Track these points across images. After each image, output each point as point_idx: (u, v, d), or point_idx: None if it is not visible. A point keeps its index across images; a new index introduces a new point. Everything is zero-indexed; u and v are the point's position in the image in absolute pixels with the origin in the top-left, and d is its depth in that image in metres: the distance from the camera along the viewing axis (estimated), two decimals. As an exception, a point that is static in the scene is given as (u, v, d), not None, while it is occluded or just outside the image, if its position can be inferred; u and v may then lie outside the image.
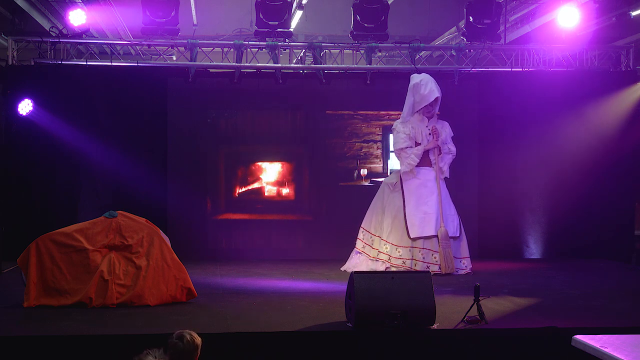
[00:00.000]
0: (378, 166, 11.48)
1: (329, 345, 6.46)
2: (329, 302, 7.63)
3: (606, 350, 4.32)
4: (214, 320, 6.92)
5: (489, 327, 6.65)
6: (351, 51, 11.13)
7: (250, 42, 10.83)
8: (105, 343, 6.17)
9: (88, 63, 10.62)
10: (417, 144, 9.75)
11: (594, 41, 11.34)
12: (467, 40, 10.90)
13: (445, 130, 9.84)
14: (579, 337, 4.66)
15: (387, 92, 11.29)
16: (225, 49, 10.90)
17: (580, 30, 10.86)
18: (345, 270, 9.74)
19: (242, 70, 10.94)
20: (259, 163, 11.52)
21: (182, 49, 10.92)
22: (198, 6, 12.35)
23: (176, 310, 7.30)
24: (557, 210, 11.36)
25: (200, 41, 10.85)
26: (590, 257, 11.04)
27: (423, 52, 11.41)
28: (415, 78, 9.85)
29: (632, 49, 11.27)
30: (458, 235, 9.66)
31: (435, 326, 6.58)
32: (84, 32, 10.40)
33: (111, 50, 10.83)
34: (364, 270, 9.18)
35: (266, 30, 10.50)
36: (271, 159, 11.56)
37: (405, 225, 9.58)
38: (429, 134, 9.75)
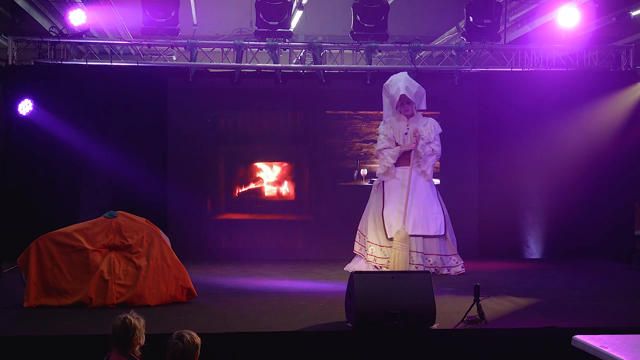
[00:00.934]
0: (378, 166, 11.45)
1: (329, 345, 6.46)
2: (329, 302, 7.63)
3: (606, 350, 4.33)
4: (213, 320, 6.92)
5: (489, 327, 6.65)
6: (351, 51, 11.13)
7: (250, 42, 10.82)
8: (105, 343, 6.16)
9: (88, 63, 10.62)
10: (397, 144, 9.73)
11: (594, 41, 11.34)
12: (467, 40, 10.89)
13: (429, 129, 9.73)
14: (579, 337, 4.67)
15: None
16: (225, 49, 10.90)
17: (580, 30, 10.85)
18: (347, 270, 9.78)
19: (242, 70, 10.94)
20: (259, 163, 11.52)
21: (182, 49, 10.92)
22: (198, 6, 12.34)
23: (176, 310, 7.31)
24: (557, 210, 11.36)
25: (200, 41, 10.85)
26: (590, 257, 11.04)
27: (423, 52, 11.41)
28: (390, 78, 9.84)
29: (632, 49, 11.27)
30: (443, 233, 9.59)
31: (435, 326, 6.58)
32: (84, 32, 10.39)
33: (111, 50, 10.83)
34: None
35: (266, 30, 10.49)
36: (271, 159, 11.56)
37: (383, 226, 9.57)
38: (406, 133, 9.70)
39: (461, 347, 6.54)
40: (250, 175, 11.50)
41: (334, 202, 11.47)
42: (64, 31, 10.37)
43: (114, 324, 4.73)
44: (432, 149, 9.70)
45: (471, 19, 10.67)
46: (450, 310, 7.14)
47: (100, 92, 10.93)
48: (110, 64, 10.68)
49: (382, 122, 9.96)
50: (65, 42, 10.52)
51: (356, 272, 6.75)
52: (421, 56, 11.34)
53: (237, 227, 11.43)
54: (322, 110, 11.56)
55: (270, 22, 10.42)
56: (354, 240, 9.99)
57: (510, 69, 11.13)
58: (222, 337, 6.32)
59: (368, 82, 11.07)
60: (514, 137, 11.34)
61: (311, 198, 11.59)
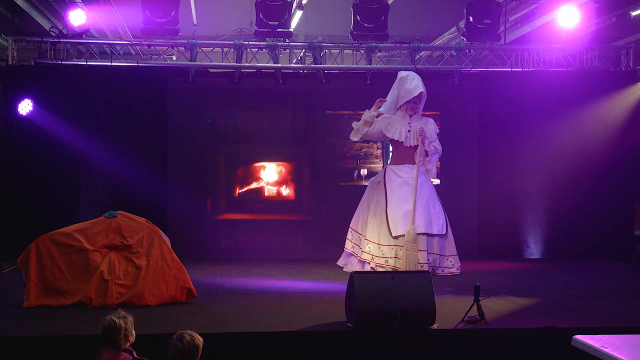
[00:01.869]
0: (378, 166, 11.48)
1: (329, 345, 6.47)
2: (329, 302, 7.63)
3: (606, 350, 4.33)
4: (214, 320, 6.92)
5: (489, 327, 6.65)
6: (351, 51, 11.12)
7: (250, 42, 10.82)
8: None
9: (88, 63, 10.62)
10: (396, 142, 9.74)
11: (594, 41, 11.34)
12: (467, 40, 10.89)
13: (430, 128, 9.78)
14: (579, 337, 4.67)
15: (387, 92, 11.26)
16: (225, 49, 10.90)
17: (580, 30, 10.86)
18: (341, 266, 9.84)
19: (242, 70, 10.94)
20: (259, 163, 11.52)
21: (182, 49, 10.91)
22: (198, 6, 12.34)
23: (176, 310, 7.31)
24: (557, 210, 11.36)
25: (200, 41, 10.85)
26: (590, 257, 11.04)
27: (423, 52, 11.41)
28: (402, 73, 9.90)
29: (632, 49, 11.27)
30: (444, 233, 9.59)
31: (435, 326, 6.59)
32: (84, 32, 10.39)
33: (111, 50, 10.83)
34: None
35: (266, 30, 10.49)
36: (271, 159, 11.55)
37: (387, 224, 9.54)
38: (409, 130, 9.70)
39: (461, 347, 6.54)
40: (250, 175, 11.50)
41: (334, 202, 11.47)
42: (64, 31, 10.36)
43: (102, 325, 4.76)
44: (436, 148, 9.75)
45: (471, 19, 10.66)
46: (450, 310, 7.14)
47: (100, 92, 10.93)
48: (110, 64, 10.67)
49: (382, 114, 9.84)
50: (65, 42, 10.52)
51: (356, 272, 6.75)
52: (421, 56, 11.34)
53: (237, 227, 11.43)
54: (322, 110, 11.57)
55: (270, 22, 10.42)
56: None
57: (510, 69, 11.12)
58: (222, 337, 6.32)
59: (368, 82, 11.06)
60: (514, 137, 11.34)
61: (311, 198, 11.59)
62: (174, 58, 12.03)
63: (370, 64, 10.95)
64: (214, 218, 11.42)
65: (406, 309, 6.47)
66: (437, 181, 11.32)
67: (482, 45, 10.84)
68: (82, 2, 10.31)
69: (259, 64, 10.93)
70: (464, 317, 6.76)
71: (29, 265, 7.42)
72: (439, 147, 9.80)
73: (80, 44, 10.73)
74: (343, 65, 11.23)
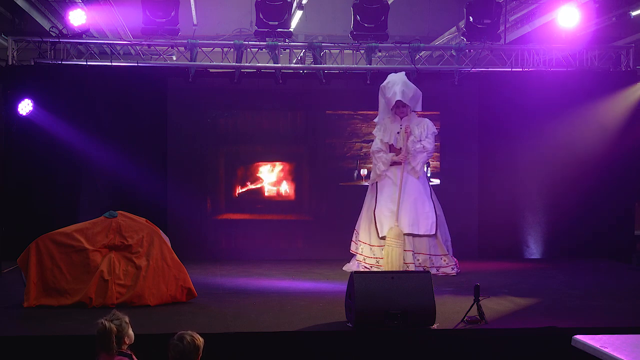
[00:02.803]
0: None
1: (329, 345, 6.47)
2: (329, 302, 7.63)
3: (606, 350, 4.32)
4: (214, 320, 6.92)
5: (489, 327, 6.65)
6: (351, 51, 11.12)
7: (250, 42, 10.82)
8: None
9: (88, 63, 10.62)
10: (390, 145, 9.74)
11: (594, 41, 11.33)
12: (467, 40, 10.89)
13: (422, 128, 9.72)
14: (579, 337, 4.67)
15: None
16: (225, 49, 10.90)
17: (580, 30, 10.85)
18: (346, 270, 9.79)
19: (242, 70, 10.94)
20: (259, 163, 11.52)
21: (182, 49, 10.91)
22: (198, 6, 12.34)
23: (176, 310, 7.31)
24: (557, 210, 11.36)
25: (200, 41, 10.85)
26: (590, 257, 11.04)
27: (423, 52, 11.41)
28: (386, 79, 9.84)
29: (632, 49, 11.27)
30: (433, 233, 9.54)
31: (435, 326, 6.58)
32: (84, 32, 10.39)
33: (111, 50, 10.83)
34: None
35: (266, 30, 10.49)
36: (271, 159, 11.55)
37: (375, 225, 9.57)
38: (398, 132, 9.69)
39: (461, 347, 6.54)
40: (250, 175, 11.50)
41: (334, 202, 11.47)
42: (64, 31, 10.36)
43: (96, 328, 4.74)
44: (423, 146, 9.65)
45: (471, 19, 10.66)
46: (450, 310, 7.14)
47: (100, 92, 10.93)
48: (110, 64, 10.67)
49: (377, 125, 9.96)
50: (65, 42, 10.52)
51: (356, 272, 6.75)
52: (421, 56, 11.34)
53: (237, 227, 11.43)
54: (322, 110, 11.56)
55: (270, 22, 10.42)
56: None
57: (510, 69, 11.12)
58: (222, 337, 6.32)
59: (368, 82, 11.06)
60: (514, 137, 11.34)
61: (311, 198, 11.59)
62: (174, 58, 12.03)
63: (370, 64, 10.95)
64: (214, 218, 11.42)
65: (406, 309, 6.47)
66: (436, 181, 11.34)
67: (482, 45, 10.84)
68: (82, 2, 10.31)
69: (259, 64, 10.93)
70: (464, 317, 6.77)
71: (29, 265, 7.42)
72: (429, 146, 9.68)
73: (80, 44, 10.73)
74: (343, 65, 11.23)
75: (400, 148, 9.71)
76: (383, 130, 9.81)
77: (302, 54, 11.60)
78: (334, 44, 11.13)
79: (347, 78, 11.23)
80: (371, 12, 10.52)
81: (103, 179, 10.89)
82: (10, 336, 6.34)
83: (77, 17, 10.13)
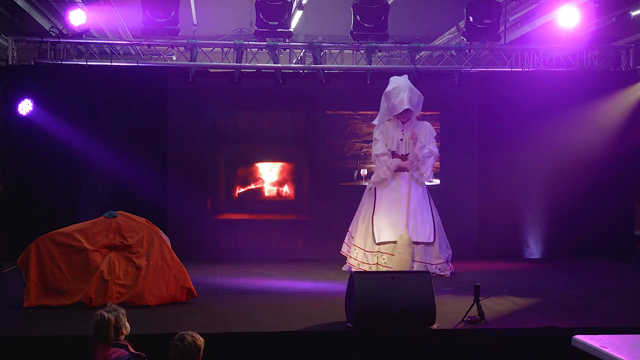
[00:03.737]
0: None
1: (329, 345, 6.47)
2: (329, 302, 7.63)
3: (606, 350, 4.33)
4: (214, 320, 6.92)
5: (489, 327, 6.66)
6: (351, 51, 11.12)
7: (250, 42, 10.82)
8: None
9: (88, 63, 10.62)
10: (390, 151, 9.67)
11: (594, 41, 11.34)
12: (467, 40, 10.89)
13: (425, 132, 9.67)
14: (579, 337, 4.67)
15: (387, 92, 11.30)
16: (225, 49, 10.90)
17: (580, 30, 10.86)
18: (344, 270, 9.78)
19: (242, 70, 10.94)
20: (259, 163, 11.51)
21: (182, 49, 10.92)
22: (198, 6, 12.34)
23: (176, 310, 7.31)
24: (557, 210, 11.36)
25: (200, 41, 10.85)
26: (590, 257, 11.04)
27: (423, 52, 11.41)
28: (391, 83, 9.70)
29: (632, 49, 11.27)
30: (432, 241, 9.49)
31: (435, 326, 6.59)
32: (84, 32, 10.39)
33: (111, 50, 10.83)
34: None
35: (266, 30, 10.49)
36: (271, 159, 11.55)
37: (372, 230, 9.52)
38: (401, 139, 9.63)
39: (461, 347, 6.54)
40: (250, 175, 11.50)
41: (334, 202, 11.46)
42: (64, 31, 10.37)
43: (92, 320, 4.77)
44: (430, 150, 9.63)
45: (471, 19, 10.66)
46: (450, 310, 7.15)
47: (100, 92, 10.93)
48: (110, 64, 10.67)
49: (376, 127, 9.89)
50: (65, 42, 10.52)
51: (356, 272, 6.76)
52: (421, 56, 11.34)
53: (237, 227, 11.43)
54: (322, 110, 11.56)
55: (270, 22, 10.42)
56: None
57: (510, 69, 11.13)
58: (222, 337, 6.32)
59: (368, 82, 11.06)
60: (514, 137, 11.34)
61: (311, 198, 11.59)
62: (174, 58, 12.03)
63: (370, 64, 10.95)
64: (214, 218, 11.42)
65: (406, 309, 6.47)
66: (436, 181, 11.33)
67: (482, 45, 10.84)
68: (82, 2, 10.32)
69: (259, 64, 10.93)
70: (464, 317, 6.77)
71: (29, 265, 7.42)
72: (435, 150, 9.69)
73: (80, 44, 10.73)
74: (343, 65, 11.23)
75: (403, 154, 9.67)
76: (385, 136, 9.74)
77: (302, 54, 11.60)
78: (334, 44, 11.14)
79: (347, 78, 11.24)
80: (371, 12, 10.52)
81: (103, 179, 10.89)
82: (10, 336, 6.34)
83: (77, 17, 10.13)
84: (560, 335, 6.12)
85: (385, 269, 9.24)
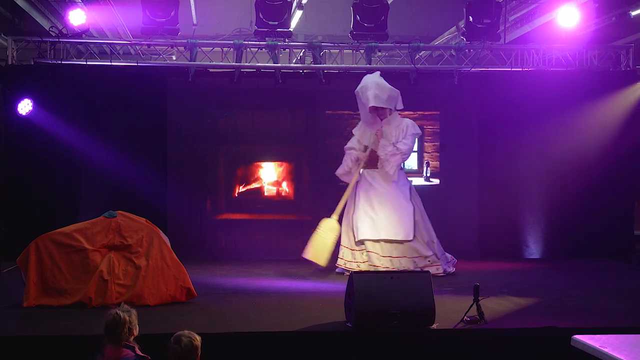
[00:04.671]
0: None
1: (329, 345, 6.47)
2: (329, 302, 7.63)
3: (606, 350, 4.33)
4: (213, 320, 6.92)
5: (488, 327, 6.65)
6: (351, 51, 11.13)
7: (250, 42, 10.82)
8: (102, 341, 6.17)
9: (88, 63, 10.62)
10: (364, 146, 9.66)
11: (594, 41, 11.33)
12: (467, 40, 10.89)
13: (400, 129, 9.52)
14: (578, 337, 4.67)
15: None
16: (225, 49, 10.90)
17: (580, 30, 10.85)
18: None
19: (242, 70, 10.94)
20: (259, 163, 11.51)
21: (181, 48, 10.92)
22: (198, 6, 12.34)
23: (176, 310, 7.31)
24: (557, 210, 11.36)
25: (200, 41, 10.85)
26: (590, 257, 11.04)
27: (423, 51, 11.41)
28: (361, 82, 9.62)
29: (632, 49, 11.27)
30: (410, 239, 9.34)
31: (434, 326, 6.59)
32: (83, 32, 10.40)
33: (111, 50, 10.83)
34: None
35: (266, 30, 10.49)
36: (271, 159, 11.55)
37: (352, 228, 9.49)
38: (376, 134, 9.57)
39: (461, 347, 6.54)
40: (250, 175, 11.50)
41: (334, 202, 11.41)
42: (64, 31, 10.37)
43: (106, 319, 4.76)
44: (397, 148, 9.43)
45: (471, 18, 10.66)
46: (450, 310, 7.14)
47: (100, 92, 10.93)
48: (110, 63, 10.68)
49: (358, 124, 9.86)
50: (65, 42, 10.53)
51: (356, 272, 6.76)
52: (421, 56, 11.34)
53: (237, 227, 11.42)
54: (322, 110, 11.56)
55: (270, 22, 10.42)
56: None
57: (510, 69, 11.12)
58: (222, 337, 6.32)
59: (368, 82, 11.04)
60: (514, 137, 11.34)
61: (311, 198, 11.57)
62: (174, 58, 12.03)
63: (370, 64, 10.94)
64: (214, 218, 11.41)
65: (406, 309, 6.47)
66: (436, 181, 11.34)
67: (482, 45, 10.83)
68: (82, 2, 10.32)
69: (259, 64, 10.93)
70: (463, 317, 6.76)
71: (28, 265, 7.42)
72: (404, 148, 9.45)
73: (80, 43, 10.73)
74: (343, 65, 11.23)
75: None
76: (362, 132, 9.71)
77: (302, 54, 11.60)
78: (333, 43, 11.14)
79: (347, 78, 11.22)
80: (371, 12, 10.52)
81: (103, 179, 10.88)
82: (10, 336, 6.34)
83: (77, 17, 10.14)
84: (560, 335, 6.10)
85: (368, 268, 9.20)
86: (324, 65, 11.04)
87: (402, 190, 9.63)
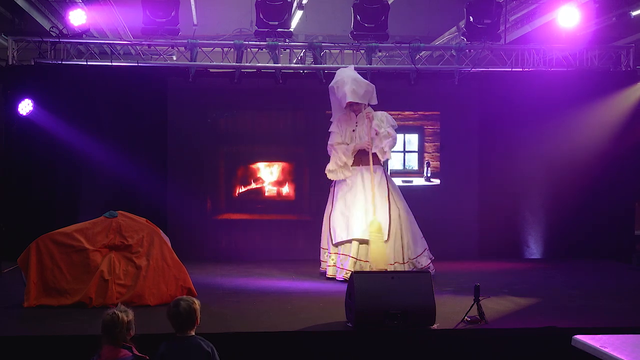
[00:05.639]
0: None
1: (329, 345, 6.47)
2: (329, 302, 7.63)
3: (606, 350, 4.33)
4: (214, 320, 6.92)
5: (489, 327, 6.65)
6: (351, 51, 11.13)
7: (250, 42, 10.83)
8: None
9: (88, 63, 10.63)
10: (345, 144, 9.28)
11: (594, 41, 11.34)
12: (467, 40, 10.89)
13: (381, 120, 9.15)
14: (578, 337, 4.67)
15: (387, 92, 11.25)
16: (225, 49, 10.91)
17: (580, 30, 10.86)
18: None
19: (242, 70, 10.94)
20: (259, 163, 11.51)
21: (182, 49, 10.92)
22: (198, 6, 12.35)
23: (176, 310, 7.29)
24: (557, 210, 11.36)
25: (200, 41, 10.85)
26: (590, 257, 11.04)
27: (423, 52, 11.42)
28: (335, 76, 9.35)
29: (632, 49, 11.27)
30: (385, 240, 8.95)
31: (435, 326, 6.58)
32: (84, 32, 10.40)
33: (111, 50, 10.83)
34: None
35: (266, 30, 10.50)
36: (271, 159, 11.55)
37: (329, 230, 9.27)
38: (354, 130, 9.24)
39: (461, 347, 6.54)
40: (250, 175, 11.50)
41: (334, 202, 11.43)
42: (64, 31, 10.37)
43: (103, 319, 4.78)
44: (388, 132, 9.11)
45: (471, 18, 10.67)
46: (450, 310, 7.14)
47: (100, 92, 10.93)
48: (110, 64, 10.68)
49: (333, 122, 9.50)
50: (65, 42, 10.53)
51: (356, 272, 6.75)
52: (421, 56, 11.34)
53: (237, 227, 11.42)
54: (322, 110, 11.50)
55: (270, 22, 10.42)
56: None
57: (510, 69, 11.13)
58: (222, 337, 6.31)
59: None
60: (514, 137, 11.34)
61: (311, 198, 11.57)
62: (174, 58, 12.03)
63: (371, 64, 10.95)
64: (214, 218, 11.41)
65: (406, 309, 6.47)
66: (436, 181, 11.33)
67: (482, 45, 10.84)
68: (82, 2, 10.33)
69: (259, 64, 10.93)
70: (464, 317, 6.76)
71: (29, 265, 7.42)
72: (393, 133, 9.12)
73: (80, 44, 10.73)
74: (343, 65, 11.21)
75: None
76: (341, 129, 9.31)
77: (302, 54, 11.60)
78: (334, 44, 11.14)
79: (347, 78, 11.21)
80: (371, 12, 10.53)
81: (103, 179, 10.88)
82: (10, 336, 6.34)
83: (77, 17, 10.14)
84: (560, 335, 6.12)
85: (344, 272, 8.92)
86: (325, 65, 11.04)
87: (382, 189, 9.19)
